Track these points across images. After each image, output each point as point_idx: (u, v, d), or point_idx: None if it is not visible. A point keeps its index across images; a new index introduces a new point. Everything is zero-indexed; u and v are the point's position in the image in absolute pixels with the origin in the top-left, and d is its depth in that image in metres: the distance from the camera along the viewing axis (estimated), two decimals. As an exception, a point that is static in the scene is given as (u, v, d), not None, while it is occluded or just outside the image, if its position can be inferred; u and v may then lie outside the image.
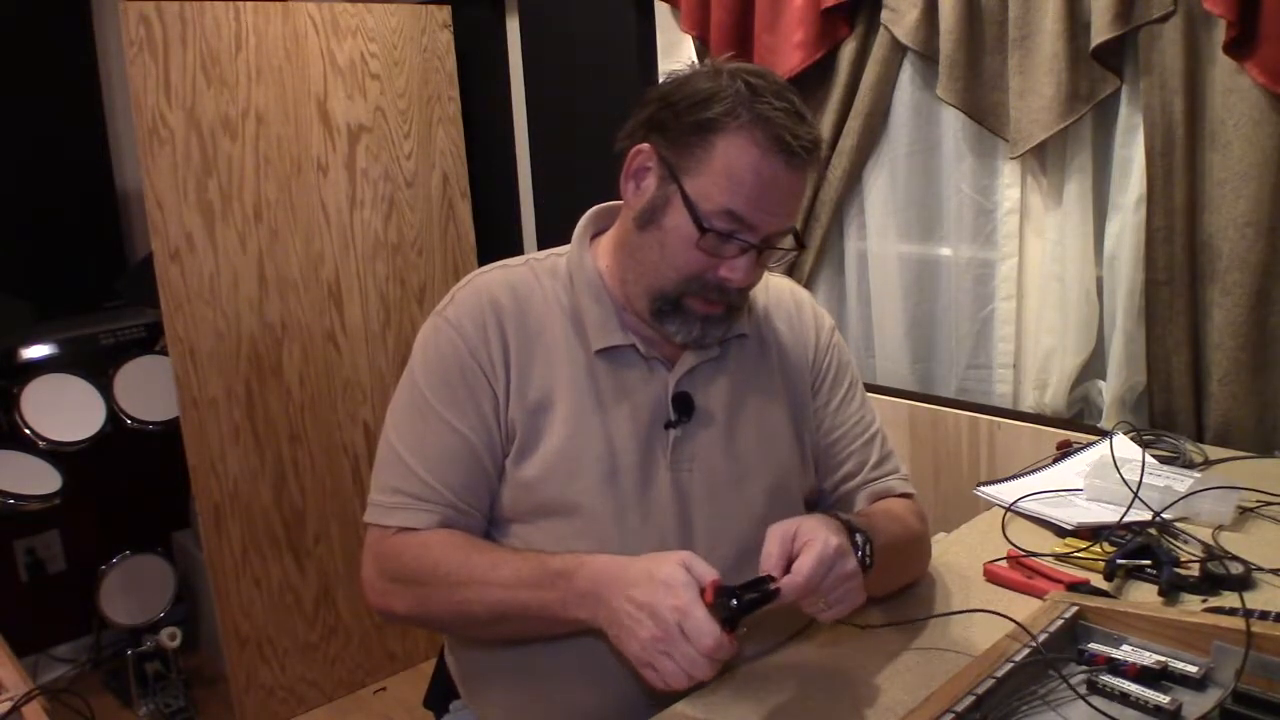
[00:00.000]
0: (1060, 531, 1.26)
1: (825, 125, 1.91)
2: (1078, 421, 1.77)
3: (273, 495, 2.42)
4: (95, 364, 2.57)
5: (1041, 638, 0.89)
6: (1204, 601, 1.06)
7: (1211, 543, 1.18)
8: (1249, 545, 1.17)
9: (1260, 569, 1.10)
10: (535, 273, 1.14)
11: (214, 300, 2.28)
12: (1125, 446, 1.45)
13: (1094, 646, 0.91)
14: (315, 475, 2.49)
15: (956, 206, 1.86)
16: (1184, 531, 1.22)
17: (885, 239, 1.97)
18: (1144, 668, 0.86)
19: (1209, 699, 0.84)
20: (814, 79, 1.90)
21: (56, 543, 2.79)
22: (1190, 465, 1.43)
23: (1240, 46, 1.39)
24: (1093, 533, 1.22)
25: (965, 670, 0.86)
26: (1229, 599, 1.05)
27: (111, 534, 2.74)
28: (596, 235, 1.17)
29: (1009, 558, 1.19)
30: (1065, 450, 1.53)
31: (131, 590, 2.66)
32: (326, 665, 2.57)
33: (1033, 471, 1.47)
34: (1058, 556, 1.20)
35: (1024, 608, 0.97)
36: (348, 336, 2.51)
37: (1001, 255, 1.81)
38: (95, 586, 2.60)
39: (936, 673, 0.95)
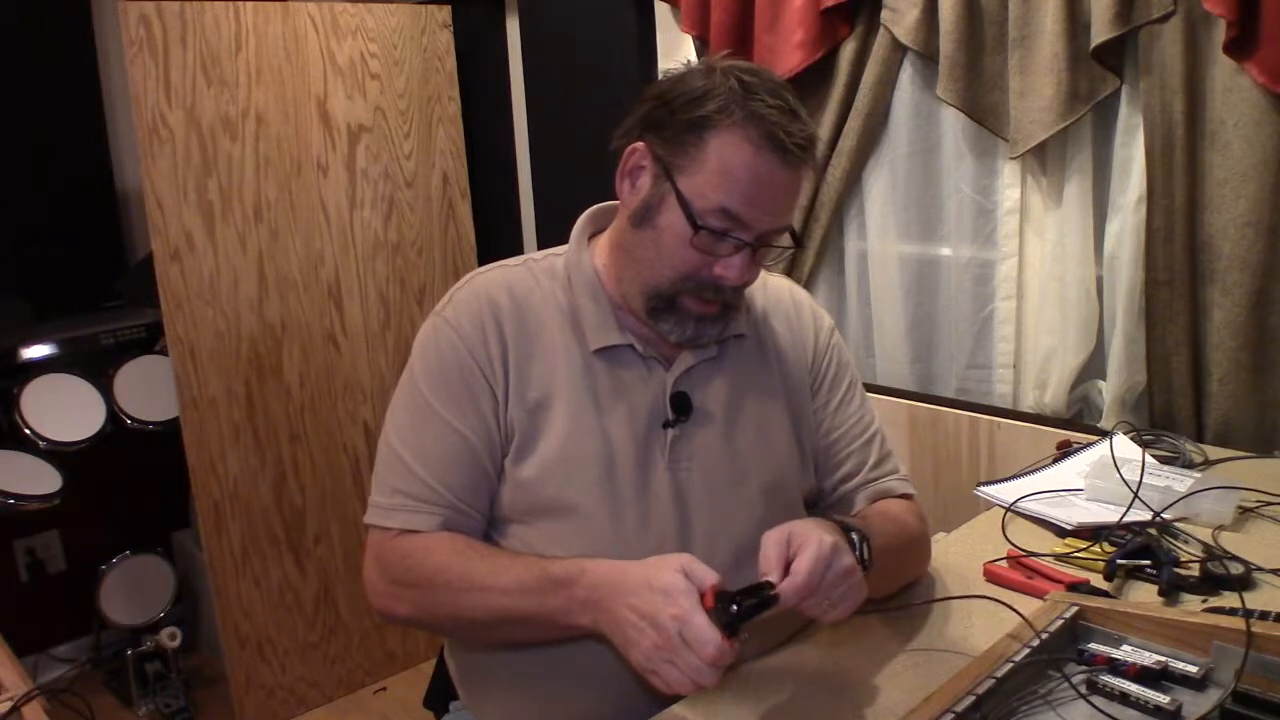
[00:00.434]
0: (1060, 531, 1.26)
1: (825, 125, 1.91)
2: (1078, 421, 1.77)
3: (273, 495, 2.42)
4: (95, 364, 2.57)
5: (1042, 637, 0.89)
6: (1204, 601, 1.06)
7: (1211, 543, 1.18)
8: (1249, 545, 1.17)
9: (1260, 569, 1.10)
10: (533, 273, 1.14)
11: (214, 300, 2.28)
12: (1125, 446, 1.45)
13: (1094, 646, 0.91)
14: (315, 475, 2.49)
15: (956, 206, 1.86)
16: (1184, 531, 1.22)
17: (885, 239, 1.97)
18: (1144, 668, 0.86)
19: (1209, 699, 0.84)
20: (814, 79, 1.90)
21: (56, 543, 2.80)
22: (1190, 465, 1.42)
23: (1240, 46, 1.39)
24: (1093, 533, 1.22)
25: (965, 670, 0.86)
26: (1229, 599, 1.05)
27: (111, 534, 2.74)
28: (595, 235, 1.17)
29: (1009, 558, 1.19)
30: (1065, 450, 1.53)
31: (131, 590, 2.66)
32: (326, 665, 2.57)
33: (1033, 471, 1.47)
34: (1058, 556, 1.19)
35: (1024, 608, 0.97)
36: (348, 336, 2.51)
37: (1001, 255, 1.81)
38: (95, 586, 2.60)
39: (936, 673, 0.95)
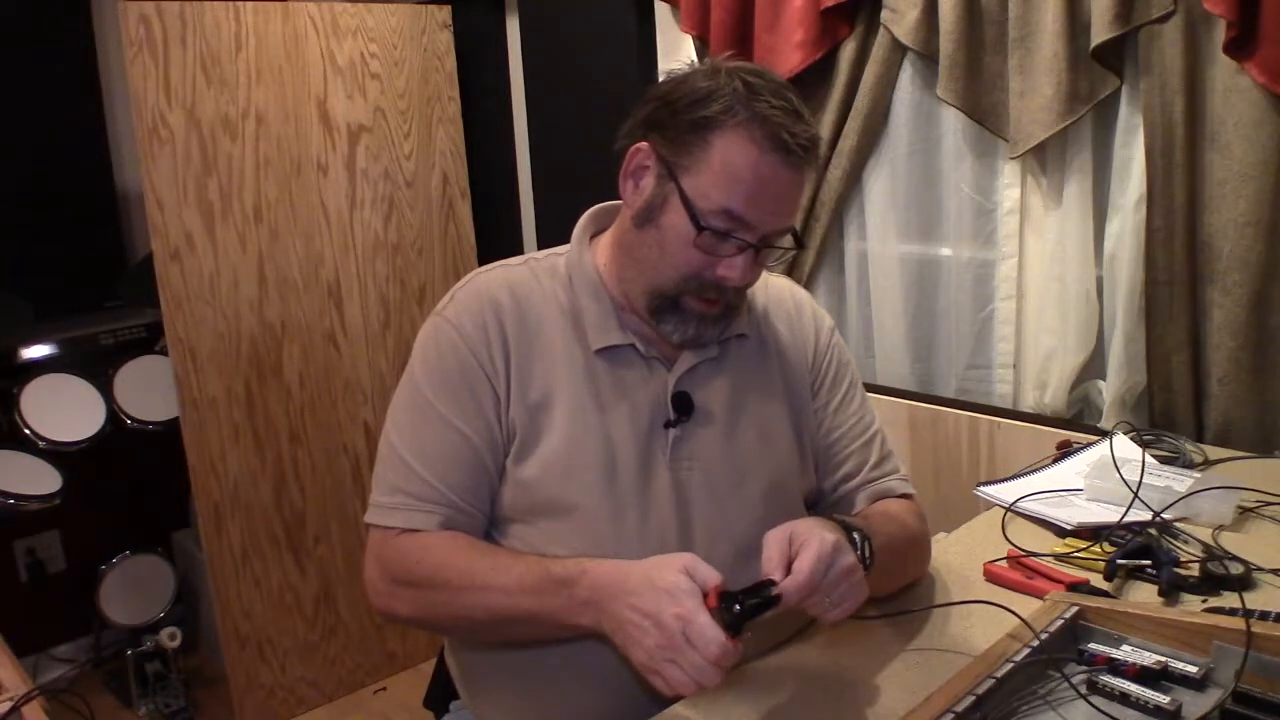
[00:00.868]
0: (1060, 531, 1.26)
1: (825, 125, 1.91)
2: (1078, 421, 1.77)
3: (273, 495, 2.42)
4: (95, 364, 2.57)
5: (1042, 637, 0.89)
6: (1204, 601, 1.06)
7: (1211, 543, 1.18)
8: (1249, 545, 1.17)
9: (1260, 569, 1.10)
10: (535, 272, 1.14)
11: (214, 300, 2.28)
12: (1125, 446, 1.45)
13: (1094, 646, 0.91)
14: (315, 475, 2.49)
15: (956, 206, 1.86)
16: (1184, 531, 1.22)
17: (885, 239, 1.97)
18: (1144, 668, 0.86)
19: (1209, 699, 0.84)
20: (814, 79, 1.90)
21: (56, 543, 2.79)
22: (1190, 465, 1.42)
23: (1240, 46, 1.39)
24: (1093, 533, 1.22)
25: (965, 670, 0.86)
26: (1229, 599, 1.05)
27: (111, 534, 2.74)
28: (596, 235, 1.17)
29: (1009, 558, 1.19)
30: (1065, 450, 1.53)
31: (131, 590, 2.66)
32: (326, 665, 2.57)
33: (1033, 471, 1.47)
34: (1058, 556, 1.20)
35: (1024, 608, 0.97)
36: (348, 337, 2.51)
37: (1001, 255, 1.81)
38: (95, 586, 2.60)
39: (936, 673, 0.95)
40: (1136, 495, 1.26)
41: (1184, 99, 1.47)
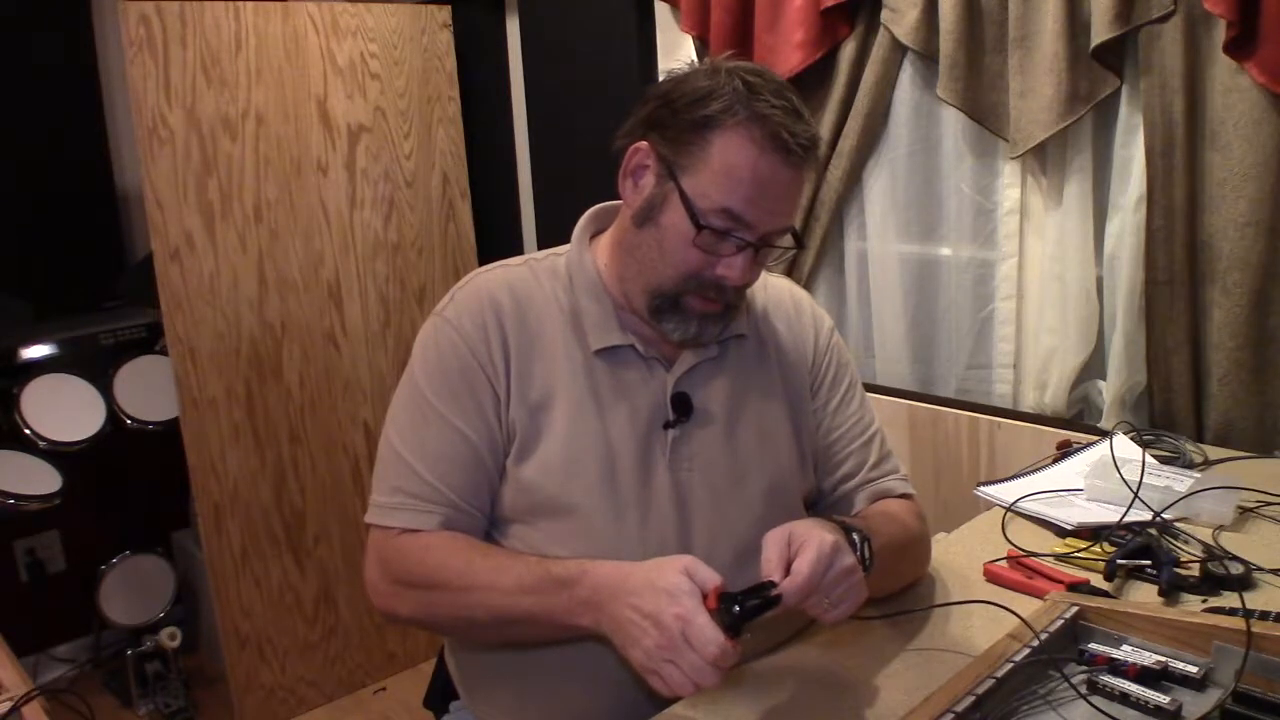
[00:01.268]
0: (1060, 531, 1.26)
1: (825, 125, 1.91)
2: (1078, 421, 1.77)
3: (273, 495, 2.42)
4: (95, 364, 2.57)
5: (1042, 637, 0.89)
6: (1204, 601, 1.06)
7: (1211, 543, 1.18)
8: (1249, 545, 1.17)
9: (1260, 569, 1.10)
10: (535, 272, 1.14)
11: (214, 300, 2.28)
12: (1125, 446, 1.45)
13: (1094, 646, 0.91)
14: (315, 475, 2.49)
15: (956, 206, 1.86)
16: (1184, 531, 1.22)
17: (885, 239, 1.97)
18: (1144, 668, 0.86)
19: (1209, 699, 0.84)
20: (814, 79, 1.90)
21: (56, 543, 2.79)
22: (1190, 465, 1.43)
23: (1240, 46, 1.39)
24: (1093, 533, 1.22)
25: (965, 670, 0.86)
26: (1229, 599, 1.05)
27: (111, 534, 2.74)
28: (596, 235, 1.17)
29: (1009, 558, 1.19)
30: (1065, 450, 1.53)
31: (131, 590, 2.66)
32: (326, 665, 2.57)
33: (1033, 471, 1.47)
34: (1058, 556, 1.20)
35: (1024, 608, 0.97)
36: (348, 337, 2.51)
37: (1001, 255, 1.81)
38: (95, 586, 2.60)
39: (936, 673, 0.95)
40: (1136, 495, 1.26)
41: (1184, 99, 1.47)
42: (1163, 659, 0.87)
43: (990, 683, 0.83)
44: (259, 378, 2.37)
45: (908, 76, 1.86)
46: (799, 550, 0.88)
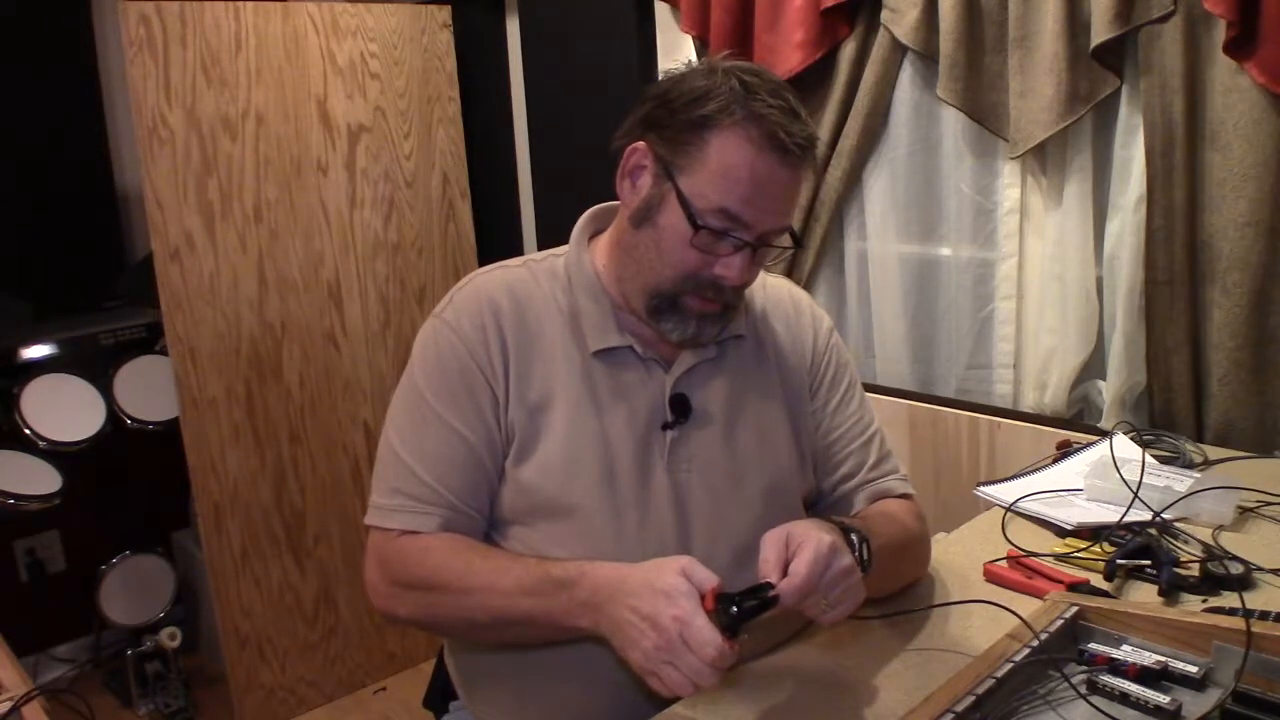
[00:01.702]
0: (1060, 531, 1.26)
1: (825, 125, 1.91)
2: (1078, 421, 1.77)
3: (273, 495, 2.42)
4: (95, 364, 2.57)
5: (1042, 637, 0.89)
6: (1204, 601, 1.06)
7: (1211, 543, 1.18)
8: (1249, 545, 1.17)
9: (1260, 569, 1.10)
10: (534, 273, 1.14)
11: (214, 300, 2.28)
12: (1125, 446, 1.45)
13: (1094, 646, 0.91)
14: (315, 475, 2.49)
15: (956, 206, 1.86)
16: (1184, 531, 1.22)
17: (885, 239, 1.97)
18: (1144, 668, 0.86)
19: (1209, 699, 0.84)
20: (814, 79, 1.90)
21: (56, 543, 2.79)
22: (1190, 465, 1.42)
23: (1240, 46, 1.39)
24: (1093, 533, 1.22)
25: (965, 670, 0.86)
26: (1229, 599, 1.05)
27: (111, 534, 2.74)
28: (595, 235, 1.17)
29: (1009, 558, 1.19)
30: (1065, 450, 1.53)
31: (131, 590, 2.66)
32: (326, 665, 2.57)
33: (1033, 471, 1.47)
34: (1058, 556, 1.20)
35: (1024, 608, 0.97)
36: (348, 337, 2.51)
37: (1001, 255, 1.81)
38: (95, 586, 2.60)
39: (936, 673, 0.95)
40: (1136, 495, 1.25)
41: (1184, 99, 1.47)
42: (1163, 659, 0.87)
43: (990, 683, 0.83)
44: (259, 378, 2.37)
45: (908, 76, 1.86)
46: (797, 551, 0.88)
